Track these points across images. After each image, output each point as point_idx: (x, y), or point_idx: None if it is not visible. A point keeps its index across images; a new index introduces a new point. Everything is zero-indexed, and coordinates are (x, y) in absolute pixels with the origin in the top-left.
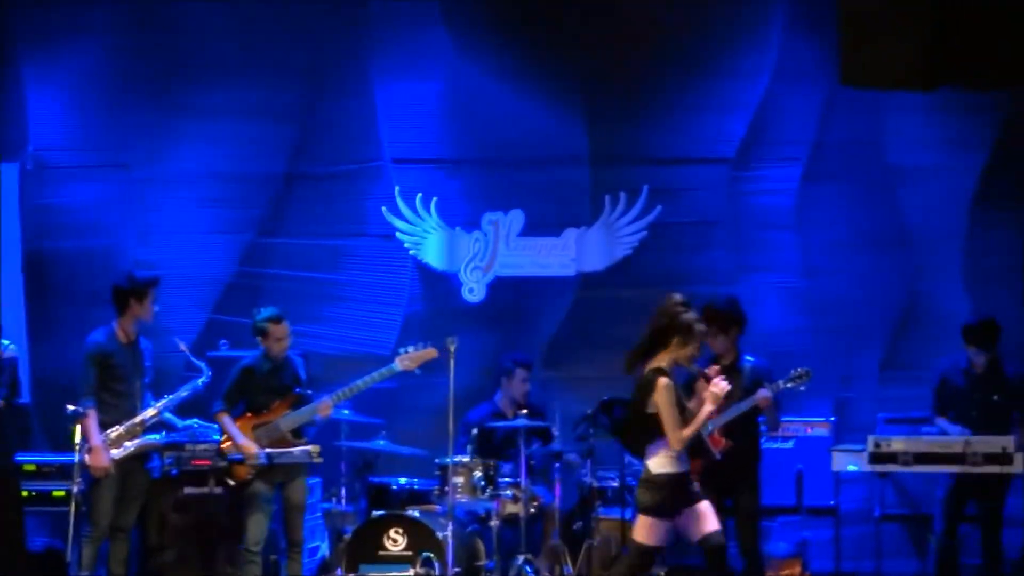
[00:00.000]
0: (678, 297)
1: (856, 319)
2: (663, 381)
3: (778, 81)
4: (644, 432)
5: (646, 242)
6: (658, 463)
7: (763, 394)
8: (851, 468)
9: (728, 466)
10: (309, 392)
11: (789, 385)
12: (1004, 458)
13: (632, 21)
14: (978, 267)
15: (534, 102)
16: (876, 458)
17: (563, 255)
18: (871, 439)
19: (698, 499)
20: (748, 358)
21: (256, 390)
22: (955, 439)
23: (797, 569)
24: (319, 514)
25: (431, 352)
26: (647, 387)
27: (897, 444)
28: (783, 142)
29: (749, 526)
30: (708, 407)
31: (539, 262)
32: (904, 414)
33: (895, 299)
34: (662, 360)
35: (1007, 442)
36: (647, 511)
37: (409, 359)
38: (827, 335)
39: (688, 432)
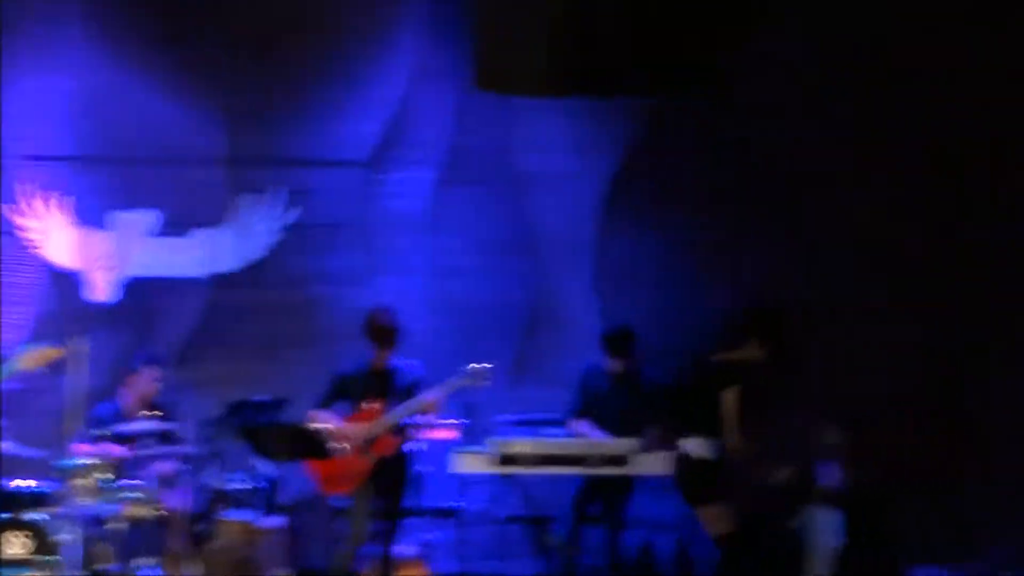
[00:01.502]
0: None
1: (486, 322)
2: None
3: (414, 86)
4: None
5: (280, 243)
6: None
7: (432, 396)
8: (476, 470)
9: (388, 468)
10: None
11: (467, 383)
12: (621, 460)
13: (271, 22)
14: (606, 273)
15: (170, 101)
16: (500, 460)
17: (196, 255)
18: (495, 441)
19: None
20: (401, 360)
21: None
22: (576, 442)
23: (420, 571)
24: None
25: (52, 351)
26: None
27: (521, 446)
28: (417, 146)
29: (393, 527)
30: None
31: (172, 262)
32: (529, 416)
33: (525, 303)
34: None
35: (627, 445)
36: None
37: (27, 359)
38: (457, 338)
39: None
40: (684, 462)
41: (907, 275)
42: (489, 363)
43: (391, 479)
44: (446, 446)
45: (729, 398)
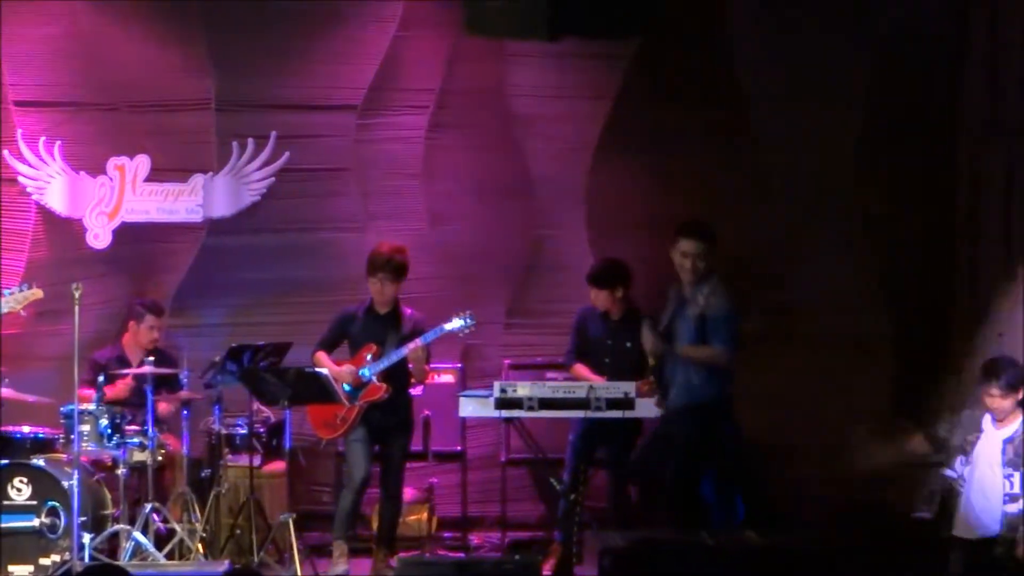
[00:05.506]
0: None
1: (481, 266)
2: None
3: (405, 29)
4: None
5: (274, 188)
6: None
7: (422, 342)
8: (477, 413)
9: (385, 412)
10: None
11: (455, 330)
12: (626, 404)
13: None
14: (600, 216)
15: (158, 46)
16: (501, 404)
17: (190, 201)
18: (497, 385)
19: None
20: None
21: None
22: (578, 384)
23: (424, 515)
24: None
25: (36, 293)
26: None
27: (522, 390)
28: (409, 90)
29: (398, 472)
30: None
31: (165, 208)
32: (529, 360)
33: (519, 247)
34: None
35: (629, 388)
36: None
37: (12, 300)
38: (453, 282)
39: None
40: None
41: None
42: (476, 310)
43: (389, 423)
44: (447, 391)
45: None
